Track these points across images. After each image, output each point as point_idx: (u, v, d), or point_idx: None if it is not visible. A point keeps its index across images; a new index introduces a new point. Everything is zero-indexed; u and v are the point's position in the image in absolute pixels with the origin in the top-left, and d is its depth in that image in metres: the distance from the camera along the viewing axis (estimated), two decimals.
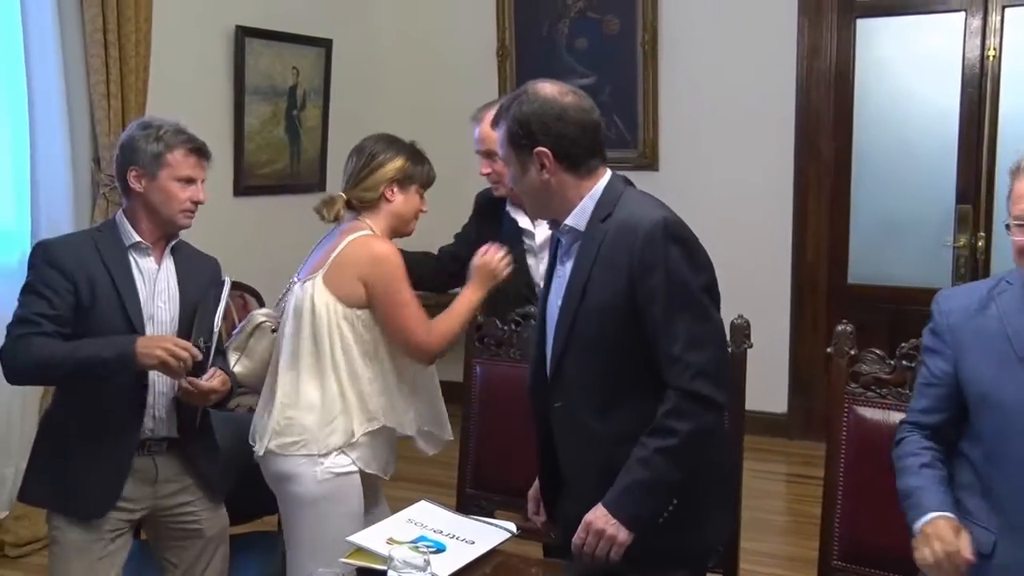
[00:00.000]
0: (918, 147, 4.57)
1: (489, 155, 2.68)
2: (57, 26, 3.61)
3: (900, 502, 1.78)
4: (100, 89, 3.73)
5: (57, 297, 2.16)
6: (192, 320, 2.32)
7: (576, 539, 1.86)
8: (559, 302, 1.94)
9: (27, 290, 2.20)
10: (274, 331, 2.40)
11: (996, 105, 4.37)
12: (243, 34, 4.55)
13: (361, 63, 5.28)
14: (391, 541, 1.92)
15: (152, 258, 2.30)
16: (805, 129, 4.71)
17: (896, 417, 2.02)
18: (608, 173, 1.95)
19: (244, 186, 4.66)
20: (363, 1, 5.34)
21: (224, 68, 4.54)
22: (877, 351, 2.15)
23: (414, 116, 5.22)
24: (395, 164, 2.35)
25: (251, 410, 2.45)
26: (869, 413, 2.13)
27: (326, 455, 2.24)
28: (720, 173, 4.80)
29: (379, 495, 2.50)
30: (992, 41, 4.35)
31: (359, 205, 2.36)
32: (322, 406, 2.26)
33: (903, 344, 2.10)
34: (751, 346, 2.25)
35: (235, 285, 4.19)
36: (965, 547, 1.61)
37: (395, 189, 2.36)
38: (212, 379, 2.24)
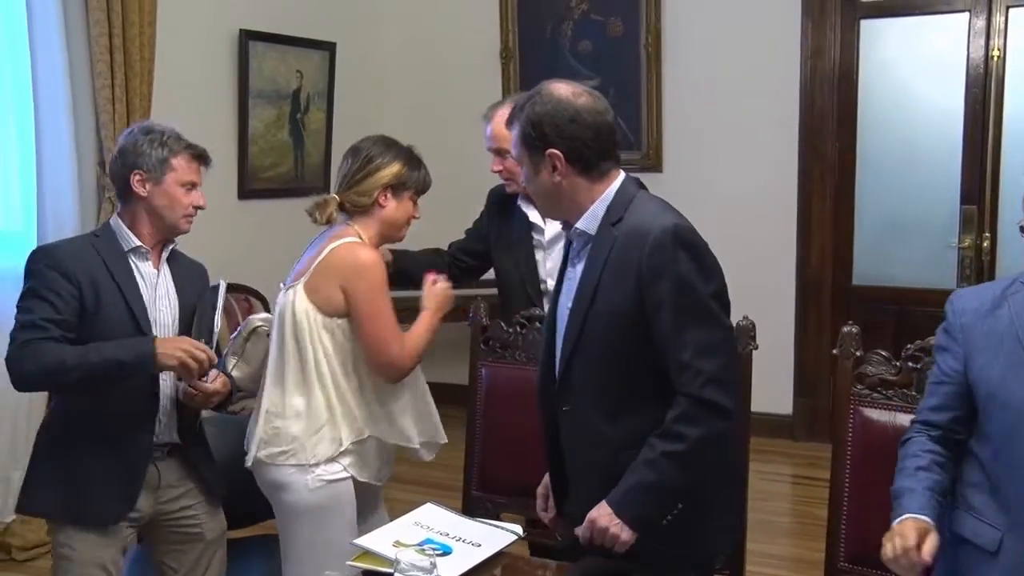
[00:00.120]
0: (922, 148, 4.57)
1: (500, 152, 2.69)
2: (62, 31, 3.62)
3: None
4: (105, 93, 3.74)
5: (61, 302, 2.15)
6: (191, 323, 2.33)
7: (581, 534, 1.87)
8: (569, 304, 1.94)
9: (29, 295, 2.17)
10: (270, 335, 2.39)
11: (1000, 106, 4.36)
12: (247, 37, 4.56)
13: (365, 66, 5.29)
14: (397, 544, 1.91)
15: (150, 263, 2.31)
16: (809, 130, 4.71)
17: (902, 418, 2.01)
18: (621, 176, 1.94)
19: (248, 189, 4.67)
20: (367, 4, 5.35)
21: (228, 71, 4.55)
22: (883, 352, 2.15)
23: (418, 119, 5.23)
24: (391, 169, 2.30)
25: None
26: (875, 415, 2.12)
27: (316, 464, 2.21)
28: (724, 174, 4.80)
29: (377, 501, 2.47)
30: (996, 42, 4.34)
31: (351, 209, 2.31)
32: (308, 415, 2.22)
33: (908, 346, 2.09)
34: (756, 347, 2.25)
35: (239, 288, 4.24)
36: (927, 549, 1.63)
37: (389, 195, 2.31)
38: (215, 381, 2.26)
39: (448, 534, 2.00)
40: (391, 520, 2.11)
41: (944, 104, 4.48)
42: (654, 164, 4.90)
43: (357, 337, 2.24)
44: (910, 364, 2.09)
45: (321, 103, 5.06)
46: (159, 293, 2.31)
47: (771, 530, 3.71)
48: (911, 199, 4.62)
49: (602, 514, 1.84)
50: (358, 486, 2.29)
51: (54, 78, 3.61)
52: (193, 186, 2.31)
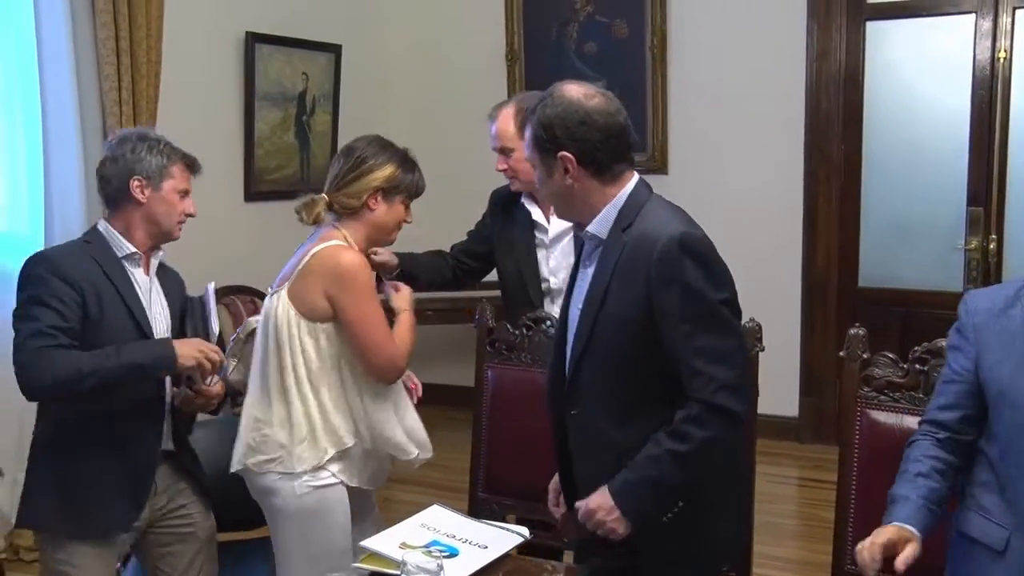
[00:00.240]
0: (929, 149, 4.55)
1: (504, 151, 2.70)
2: (70, 34, 3.63)
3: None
4: (112, 96, 3.75)
5: (67, 308, 2.12)
6: (181, 329, 2.35)
7: (580, 517, 1.89)
8: (580, 306, 1.94)
9: (34, 302, 2.12)
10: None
11: (1007, 107, 4.35)
12: (253, 40, 4.57)
13: (370, 68, 5.30)
14: (404, 546, 1.92)
15: (142, 269, 2.31)
16: (815, 132, 4.70)
17: (909, 421, 2.01)
18: (634, 179, 1.93)
19: (254, 191, 4.67)
20: (372, 7, 5.36)
21: (234, 74, 4.56)
22: (890, 355, 2.14)
23: (423, 120, 5.24)
24: (383, 172, 2.25)
25: None
26: (882, 417, 2.12)
27: (303, 472, 2.18)
28: (730, 176, 4.80)
29: (371, 504, 2.43)
30: (1003, 43, 4.33)
31: (339, 210, 2.27)
32: (291, 424, 2.19)
33: (915, 348, 2.09)
34: (763, 349, 2.25)
35: (245, 290, 4.25)
36: (901, 558, 1.64)
37: (379, 198, 2.26)
38: (215, 385, 2.29)
39: (455, 536, 2.01)
40: (396, 522, 2.09)
41: (950, 105, 4.47)
42: (659, 166, 4.90)
43: (348, 342, 2.20)
44: (917, 366, 2.09)
45: (327, 105, 5.07)
46: (152, 299, 2.32)
47: (777, 532, 3.71)
48: (917, 201, 4.61)
49: (602, 505, 1.85)
50: (350, 490, 2.26)
51: (61, 81, 3.62)
52: (186, 193, 2.33)
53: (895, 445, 1.96)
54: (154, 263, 2.34)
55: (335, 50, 5.04)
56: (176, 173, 2.29)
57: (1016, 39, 4.32)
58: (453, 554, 1.92)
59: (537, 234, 2.77)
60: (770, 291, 4.49)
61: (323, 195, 2.28)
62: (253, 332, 2.41)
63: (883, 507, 2.03)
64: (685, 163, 4.90)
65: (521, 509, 2.49)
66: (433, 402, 3.39)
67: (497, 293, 2.91)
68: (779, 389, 4.61)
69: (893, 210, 4.67)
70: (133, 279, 2.27)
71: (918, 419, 1.94)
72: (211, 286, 2.45)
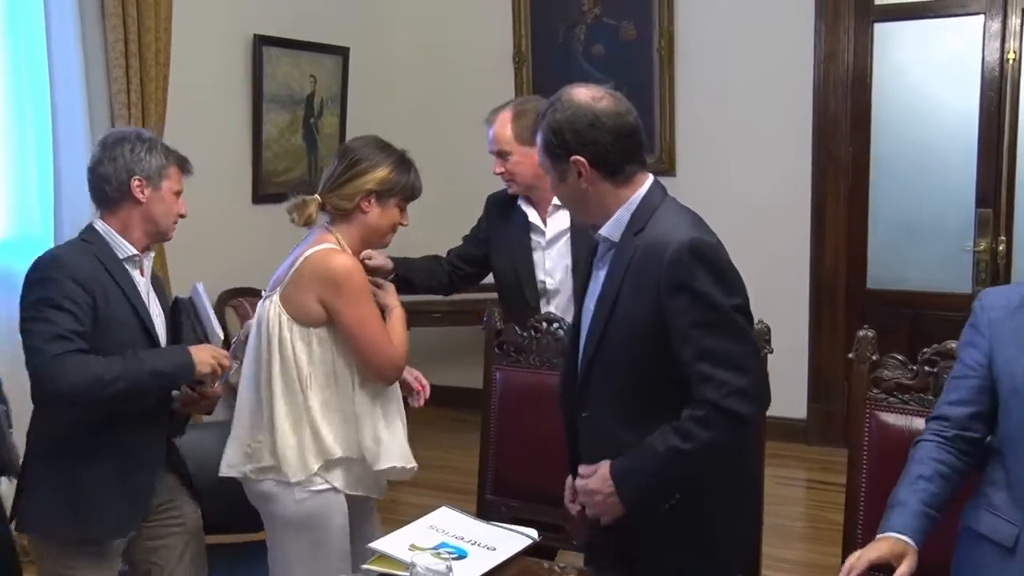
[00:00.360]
0: (937, 151, 4.55)
1: (502, 155, 2.72)
2: (79, 37, 3.66)
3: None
4: (121, 98, 3.77)
5: (80, 312, 2.11)
6: (176, 329, 2.35)
7: (580, 498, 1.92)
8: (592, 307, 1.95)
9: (47, 304, 2.08)
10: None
11: (1016, 108, 4.34)
12: (261, 42, 4.58)
13: (378, 71, 5.31)
14: (413, 547, 1.92)
15: (139, 271, 2.30)
16: (822, 133, 4.70)
17: (919, 423, 2.00)
18: (648, 182, 1.93)
19: (262, 193, 4.69)
20: (380, 9, 5.37)
21: (242, 76, 4.58)
22: (899, 356, 2.14)
23: (430, 123, 5.25)
24: (376, 174, 2.20)
25: None
26: (891, 419, 2.11)
27: (299, 481, 2.16)
28: (737, 178, 4.79)
29: (368, 511, 2.38)
30: (1012, 44, 4.32)
31: (332, 212, 2.23)
32: (279, 432, 2.15)
33: (925, 350, 2.09)
34: (771, 351, 2.24)
35: (253, 292, 4.26)
36: (901, 571, 1.65)
37: (372, 201, 2.21)
38: (218, 386, 2.31)
39: (463, 538, 2.01)
40: (404, 524, 2.08)
41: (959, 107, 4.46)
42: (667, 168, 4.90)
43: (347, 346, 2.17)
44: (926, 368, 2.08)
45: (334, 107, 5.09)
46: (150, 301, 2.32)
47: (785, 535, 3.70)
48: (926, 202, 4.60)
49: (602, 488, 1.86)
50: (349, 498, 2.23)
51: (71, 84, 3.64)
52: (179, 194, 2.33)
53: (904, 447, 1.95)
54: (148, 265, 2.33)
55: (343, 53, 5.05)
56: (172, 174, 2.29)
57: None
58: (462, 556, 1.92)
59: (533, 236, 2.79)
60: (778, 293, 4.48)
61: (315, 196, 2.24)
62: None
63: None
64: (693, 164, 4.90)
65: (529, 511, 2.49)
66: (441, 404, 3.41)
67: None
68: (787, 391, 4.59)
69: (901, 211, 4.66)
70: (135, 281, 2.28)
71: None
72: (200, 286, 2.45)
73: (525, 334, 2.56)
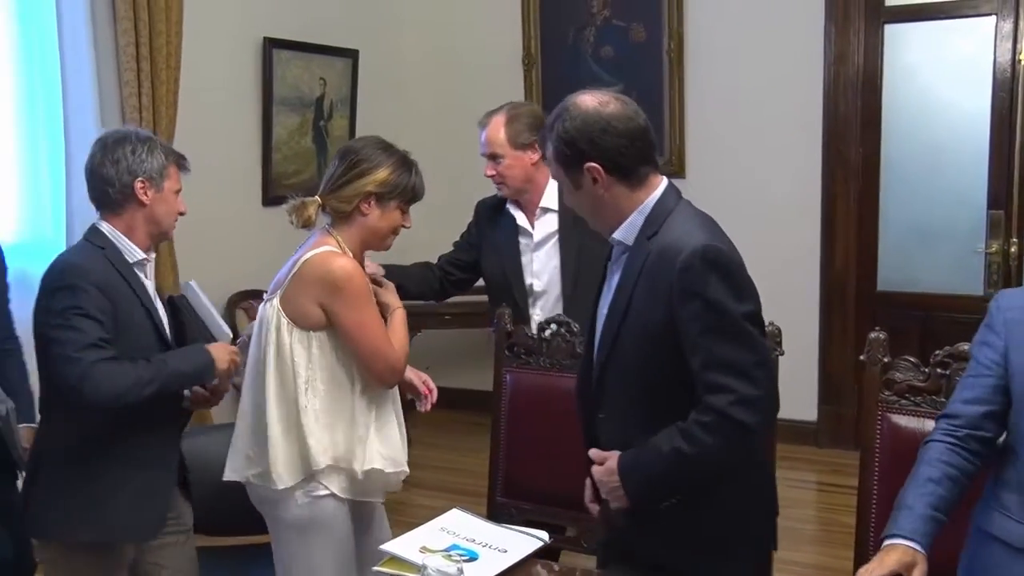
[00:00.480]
0: (948, 152, 4.53)
1: (494, 157, 2.79)
2: (91, 41, 3.68)
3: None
4: (132, 102, 3.79)
5: (106, 318, 2.11)
6: (180, 330, 2.36)
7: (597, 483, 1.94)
8: (606, 311, 1.95)
9: (76, 313, 2.07)
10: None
11: None
12: (271, 45, 4.60)
13: (387, 73, 5.32)
14: (424, 549, 1.92)
15: (143, 273, 2.29)
16: (833, 135, 4.68)
17: (931, 425, 1.99)
18: (662, 185, 1.93)
19: (272, 196, 4.69)
20: (389, 12, 5.38)
21: (252, 79, 4.60)
22: (911, 359, 2.13)
23: (440, 125, 5.25)
24: (376, 176, 2.16)
25: None
26: (904, 421, 2.11)
27: (301, 486, 2.14)
28: (747, 180, 4.78)
29: (371, 514, 2.34)
30: None
31: (332, 214, 2.21)
32: (271, 438, 2.13)
33: (937, 352, 2.08)
34: (782, 353, 2.24)
35: (263, 295, 4.26)
36: None
37: (372, 203, 2.17)
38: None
39: (474, 540, 2.00)
40: (415, 526, 2.07)
41: (970, 108, 4.45)
42: (677, 170, 4.89)
43: (348, 350, 2.15)
44: (939, 370, 2.08)
45: (344, 110, 5.10)
46: (157, 304, 2.32)
47: (797, 537, 3.69)
48: (936, 204, 4.58)
49: (610, 480, 1.89)
50: (353, 502, 2.22)
51: (83, 87, 3.66)
52: (179, 192, 2.31)
53: (916, 449, 1.94)
54: (152, 268, 2.33)
55: (352, 55, 5.06)
56: (172, 173, 2.28)
57: None
58: (473, 558, 1.92)
59: (522, 239, 2.84)
60: (788, 295, 4.46)
61: (315, 198, 2.21)
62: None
63: None
64: (703, 167, 4.89)
65: (539, 513, 2.49)
66: (451, 406, 3.41)
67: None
68: (797, 393, 4.56)
69: (912, 213, 4.65)
70: (145, 284, 2.28)
71: None
72: (193, 283, 2.45)
73: (535, 336, 2.56)
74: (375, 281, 2.29)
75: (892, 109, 4.64)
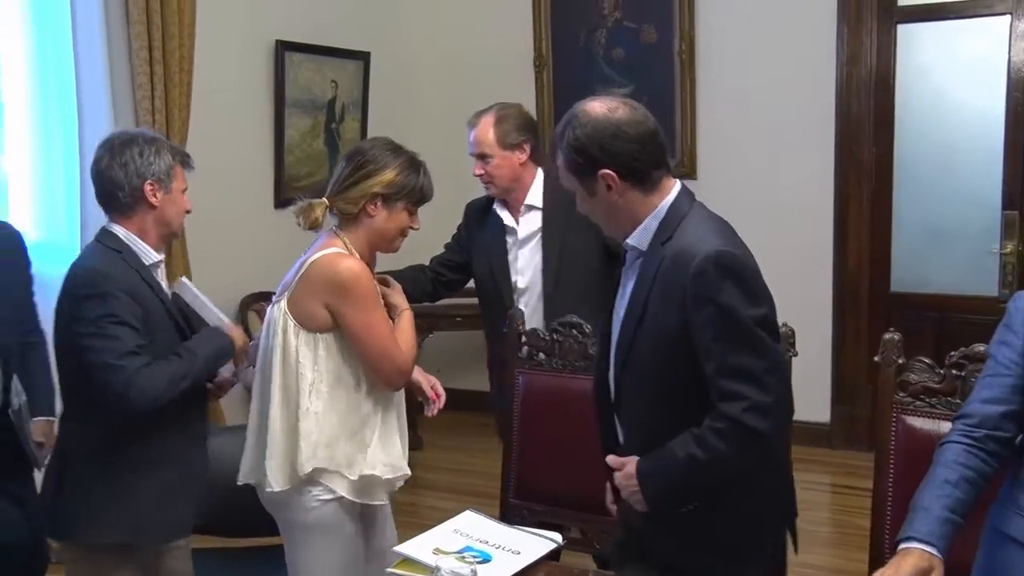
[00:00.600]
0: (962, 152, 4.50)
1: (483, 157, 2.84)
2: (105, 45, 3.69)
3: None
4: (145, 105, 3.81)
5: (139, 324, 2.13)
6: (187, 324, 2.37)
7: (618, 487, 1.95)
8: (621, 316, 1.95)
9: (112, 321, 2.09)
10: None
11: None
12: (283, 48, 4.61)
13: (399, 75, 5.33)
14: (437, 551, 1.92)
15: (158, 275, 2.30)
16: (845, 136, 4.66)
17: (946, 427, 1.97)
18: (675, 188, 1.92)
19: (284, 198, 4.71)
20: (400, 14, 5.39)
21: (265, 82, 4.61)
22: (926, 360, 2.12)
23: (451, 127, 5.24)
24: (382, 177, 2.14)
25: None
26: (919, 423, 2.10)
27: (310, 488, 2.13)
28: (759, 181, 4.77)
29: (380, 518, 2.33)
30: None
31: (339, 216, 2.19)
32: (271, 440, 2.13)
33: (952, 353, 2.07)
34: (796, 354, 2.23)
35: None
36: None
37: (379, 204, 2.15)
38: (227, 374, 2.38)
39: (488, 542, 2.00)
40: (427, 528, 2.07)
41: (984, 108, 4.42)
42: (688, 171, 4.88)
43: (355, 352, 2.14)
44: (954, 372, 2.06)
45: (355, 112, 5.11)
46: (175, 306, 2.34)
47: (810, 540, 3.65)
48: (950, 204, 4.56)
49: (628, 485, 1.90)
50: (362, 504, 2.21)
51: (96, 91, 3.68)
52: (185, 191, 2.32)
53: (932, 451, 1.92)
54: (163, 269, 2.34)
55: (364, 58, 5.07)
56: (178, 172, 2.28)
57: None
58: (486, 560, 1.92)
59: (508, 237, 2.89)
60: (801, 296, 4.44)
61: (322, 200, 2.20)
62: None
63: None
64: (714, 168, 4.88)
65: (552, 515, 2.48)
66: (463, 408, 3.41)
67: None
68: (811, 395, 4.54)
69: (926, 214, 4.62)
70: (163, 285, 2.30)
71: None
72: (184, 279, 2.48)
73: (548, 338, 2.55)
74: (382, 282, 2.28)
75: (905, 109, 4.62)
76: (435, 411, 2.41)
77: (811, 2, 4.64)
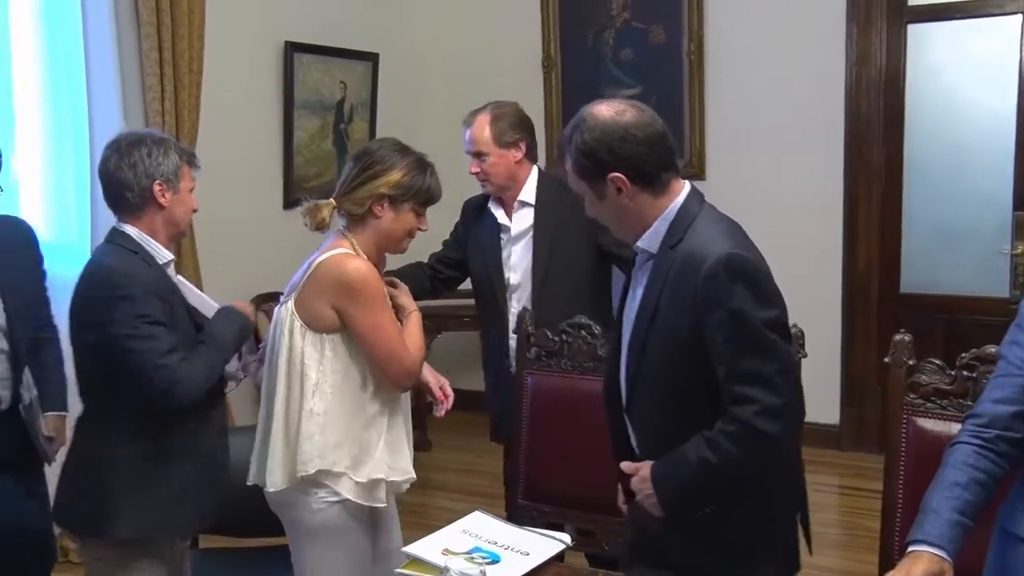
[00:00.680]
0: (973, 153, 4.49)
1: (479, 155, 2.86)
2: (115, 46, 3.71)
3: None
4: (155, 106, 3.83)
5: (170, 321, 2.16)
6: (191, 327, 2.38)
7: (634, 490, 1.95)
8: (632, 319, 1.95)
9: (147, 322, 2.11)
10: None
11: None
12: (292, 49, 4.62)
13: (407, 76, 5.34)
14: (446, 552, 1.92)
15: (170, 273, 2.31)
16: (854, 136, 4.65)
17: (957, 428, 1.96)
18: (685, 190, 1.92)
19: (293, 199, 4.71)
20: (409, 15, 5.40)
21: (274, 83, 4.62)
22: (937, 361, 2.11)
23: (460, 128, 5.25)
24: (389, 178, 2.14)
25: None
26: (929, 424, 2.09)
27: (317, 489, 2.13)
28: (768, 182, 4.76)
29: (385, 519, 2.32)
30: None
31: (346, 216, 2.19)
32: (274, 440, 2.14)
33: (963, 354, 2.06)
34: (805, 355, 2.22)
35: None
36: None
37: (385, 205, 2.15)
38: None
39: (496, 542, 2.00)
40: (435, 529, 2.07)
41: (995, 108, 4.40)
42: (697, 172, 4.87)
43: (362, 353, 2.13)
44: (965, 373, 2.05)
45: (364, 113, 5.12)
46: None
47: (820, 542, 3.62)
48: (961, 205, 4.54)
49: (643, 488, 1.90)
50: (369, 507, 2.20)
51: (107, 92, 3.69)
52: (192, 190, 2.32)
53: (942, 453, 1.92)
54: (172, 267, 2.34)
55: (372, 59, 5.08)
56: (186, 172, 2.28)
57: None
58: (495, 560, 1.92)
59: (502, 235, 2.92)
60: (810, 297, 4.42)
61: (330, 201, 2.20)
62: None
63: None
64: (723, 169, 4.87)
65: (560, 516, 2.48)
66: (470, 408, 3.40)
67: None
68: (820, 396, 4.54)
69: (936, 215, 4.61)
70: (175, 283, 2.30)
71: None
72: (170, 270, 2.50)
73: (556, 339, 2.55)
74: (390, 283, 2.28)
75: (915, 109, 4.60)
76: (443, 411, 2.41)
77: (820, 2, 4.63)
